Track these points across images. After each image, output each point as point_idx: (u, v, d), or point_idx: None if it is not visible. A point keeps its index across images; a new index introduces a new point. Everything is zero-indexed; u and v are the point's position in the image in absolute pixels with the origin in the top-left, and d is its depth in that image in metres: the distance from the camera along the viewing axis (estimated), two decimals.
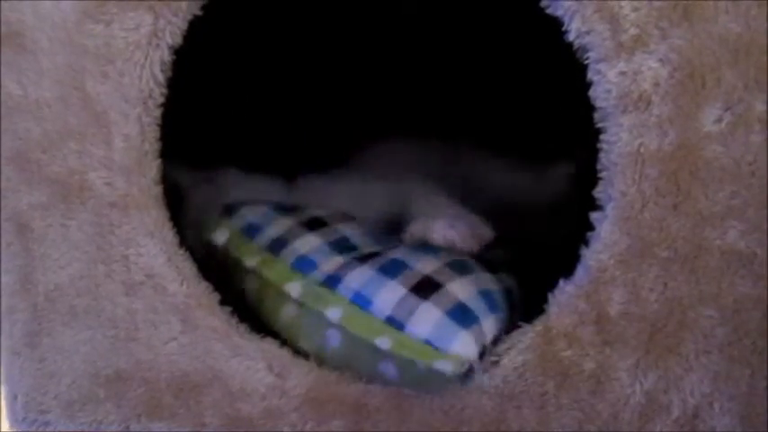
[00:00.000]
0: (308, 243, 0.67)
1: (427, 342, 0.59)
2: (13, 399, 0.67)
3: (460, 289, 0.61)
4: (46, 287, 0.64)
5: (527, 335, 0.61)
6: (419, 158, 0.90)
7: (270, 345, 0.64)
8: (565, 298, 0.60)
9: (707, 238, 0.57)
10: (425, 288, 0.61)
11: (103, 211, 0.62)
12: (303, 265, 0.65)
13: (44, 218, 0.63)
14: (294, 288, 0.64)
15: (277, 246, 0.67)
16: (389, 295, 0.61)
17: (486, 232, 0.69)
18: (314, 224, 0.69)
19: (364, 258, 0.65)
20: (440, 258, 0.64)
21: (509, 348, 0.61)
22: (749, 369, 0.59)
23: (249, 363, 0.64)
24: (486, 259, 0.67)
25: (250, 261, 0.67)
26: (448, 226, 0.68)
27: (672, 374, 0.60)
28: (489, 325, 0.60)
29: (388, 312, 0.60)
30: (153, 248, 0.63)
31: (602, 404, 0.61)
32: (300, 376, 0.63)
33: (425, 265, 0.63)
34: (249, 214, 0.71)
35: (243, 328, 0.64)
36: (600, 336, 0.60)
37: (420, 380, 0.60)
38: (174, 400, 0.65)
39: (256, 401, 0.64)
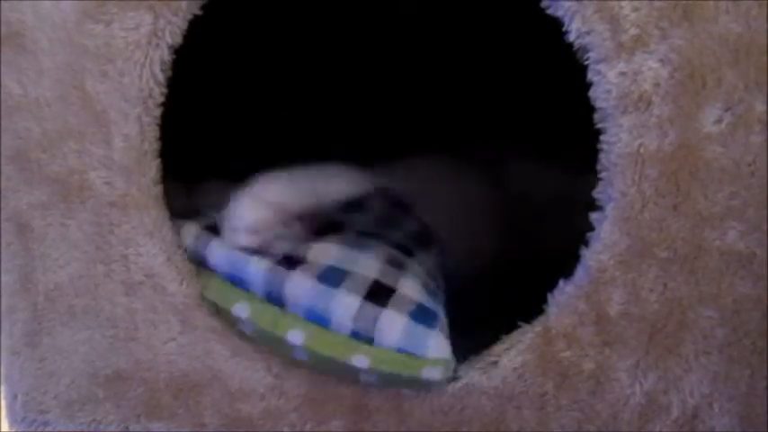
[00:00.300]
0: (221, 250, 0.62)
1: (400, 350, 0.58)
2: (12, 398, 0.67)
3: (411, 289, 0.60)
4: (46, 287, 0.64)
5: (526, 335, 0.61)
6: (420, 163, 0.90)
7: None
8: (564, 298, 0.60)
9: (706, 238, 0.57)
10: (380, 294, 0.59)
11: (103, 210, 0.62)
12: (238, 280, 0.61)
13: (44, 217, 0.63)
14: (242, 310, 0.61)
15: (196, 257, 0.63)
16: (344, 307, 0.58)
17: (287, 206, 0.61)
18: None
19: (289, 261, 0.61)
20: (375, 258, 0.62)
21: (508, 349, 0.61)
22: (749, 369, 0.59)
23: (248, 363, 0.64)
24: (400, 243, 0.65)
25: None
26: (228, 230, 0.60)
27: (671, 375, 0.60)
28: (443, 317, 0.60)
29: (350, 326, 0.58)
30: (152, 248, 0.63)
31: (602, 405, 0.61)
32: (299, 376, 0.63)
33: (367, 269, 0.61)
34: None
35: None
36: (599, 336, 0.60)
37: (402, 384, 0.60)
38: (174, 400, 0.65)
39: (255, 402, 0.64)
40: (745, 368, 0.59)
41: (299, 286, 0.60)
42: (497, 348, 0.61)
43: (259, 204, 0.60)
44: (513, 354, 0.61)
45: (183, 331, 0.64)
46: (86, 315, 0.64)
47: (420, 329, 0.58)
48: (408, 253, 0.65)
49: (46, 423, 0.67)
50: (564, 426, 0.62)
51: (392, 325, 0.58)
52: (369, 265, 0.61)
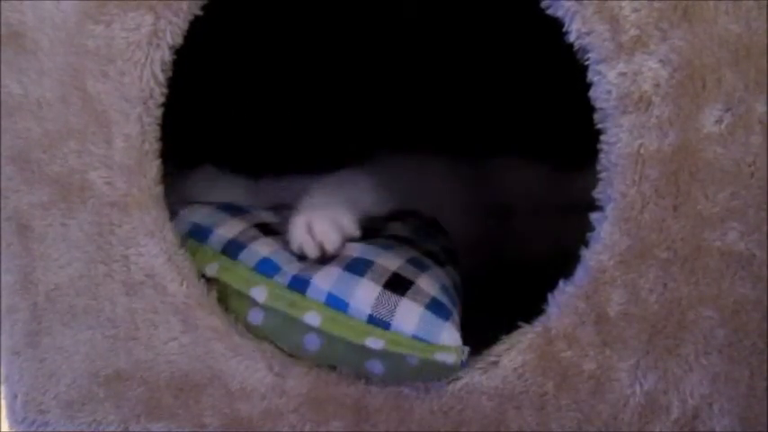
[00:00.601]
0: (267, 244, 0.66)
1: (415, 337, 0.59)
2: (12, 398, 0.67)
3: (429, 285, 0.62)
4: (46, 287, 0.64)
5: (527, 335, 0.61)
6: (421, 166, 0.90)
7: (269, 344, 0.64)
8: (565, 299, 0.60)
9: (706, 239, 0.57)
10: (399, 285, 0.61)
11: (104, 210, 0.62)
12: (266, 268, 0.64)
13: (44, 217, 0.63)
14: (259, 293, 0.63)
15: (233, 248, 0.66)
16: (365, 294, 0.61)
17: (350, 229, 0.66)
18: (266, 230, 0.68)
19: (323, 260, 0.64)
20: (398, 255, 0.65)
21: (508, 349, 0.61)
22: (748, 370, 0.59)
23: (249, 362, 0.64)
24: (433, 252, 0.68)
25: (209, 268, 0.65)
26: (302, 232, 0.65)
27: (671, 375, 0.60)
28: (456, 318, 0.61)
29: (368, 311, 0.60)
30: (153, 248, 0.63)
31: (602, 405, 0.61)
32: (300, 376, 0.63)
33: (389, 262, 0.63)
34: (191, 216, 0.68)
35: (242, 327, 0.64)
36: (599, 336, 0.60)
37: (408, 374, 0.61)
38: (174, 400, 0.65)
39: (256, 402, 0.64)
40: (745, 369, 0.59)
41: (327, 274, 0.62)
42: (498, 348, 0.62)
43: (334, 228, 0.65)
44: (513, 354, 0.61)
45: (183, 331, 0.64)
46: (87, 315, 0.64)
47: (435, 320, 0.60)
48: (439, 263, 0.67)
49: (46, 423, 0.67)
50: (564, 426, 0.62)
51: (409, 314, 0.60)
52: (390, 259, 0.64)
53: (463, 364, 0.60)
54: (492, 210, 0.90)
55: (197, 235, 0.67)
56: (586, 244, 0.59)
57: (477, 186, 0.90)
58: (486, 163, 0.92)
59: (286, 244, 0.67)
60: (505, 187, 0.91)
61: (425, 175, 0.86)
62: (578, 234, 0.60)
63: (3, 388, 0.68)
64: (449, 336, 0.59)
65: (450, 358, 0.59)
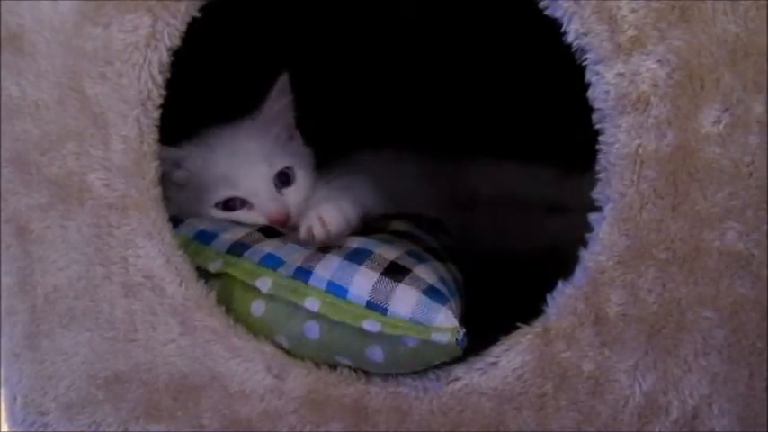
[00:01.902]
0: (271, 243, 0.68)
1: (412, 320, 0.60)
2: (12, 400, 0.67)
3: (426, 274, 0.63)
4: (45, 289, 0.64)
5: (526, 336, 0.61)
6: (417, 166, 0.91)
7: (269, 346, 0.64)
8: (563, 299, 0.60)
9: (705, 239, 0.57)
10: (397, 272, 0.62)
11: (102, 212, 0.62)
12: (270, 262, 0.66)
13: (43, 219, 0.63)
14: (264, 283, 0.64)
15: (238, 248, 0.68)
16: (363, 281, 0.62)
17: (353, 218, 0.70)
18: (269, 233, 0.70)
19: (326, 249, 0.66)
20: (397, 247, 0.66)
21: (508, 349, 0.61)
22: (748, 370, 0.59)
23: (248, 364, 0.64)
24: (434, 248, 0.69)
25: (212, 265, 0.67)
26: (314, 220, 0.69)
27: (671, 376, 0.60)
28: (454, 306, 0.61)
29: (366, 297, 0.61)
30: (151, 250, 0.63)
31: (601, 405, 0.61)
32: (299, 377, 0.63)
33: (387, 253, 0.64)
34: (197, 223, 0.71)
35: (241, 329, 0.64)
36: (599, 337, 0.60)
37: (408, 358, 0.61)
38: (173, 401, 0.65)
39: (255, 403, 0.64)
40: (745, 369, 0.59)
41: (328, 263, 0.64)
42: (497, 349, 0.62)
43: (340, 214, 0.70)
44: (512, 354, 0.61)
45: (182, 332, 0.64)
46: (85, 317, 0.64)
47: (431, 304, 0.60)
48: (440, 259, 0.67)
49: (45, 425, 0.67)
50: (563, 426, 0.62)
51: (406, 298, 0.61)
52: (389, 250, 0.65)
53: (458, 342, 0.59)
54: (463, 206, 0.91)
55: (202, 238, 0.69)
56: (585, 244, 0.59)
57: (448, 183, 0.91)
58: (459, 160, 0.93)
59: (292, 239, 0.69)
60: (478, 185, 0.92)
61: (396, 171, 0.88)
62: (577, 234, 0.60)
63: (2, 390, 0.68)
64: (445, 318, 0.59)
65: (444, 337, 0.59)
